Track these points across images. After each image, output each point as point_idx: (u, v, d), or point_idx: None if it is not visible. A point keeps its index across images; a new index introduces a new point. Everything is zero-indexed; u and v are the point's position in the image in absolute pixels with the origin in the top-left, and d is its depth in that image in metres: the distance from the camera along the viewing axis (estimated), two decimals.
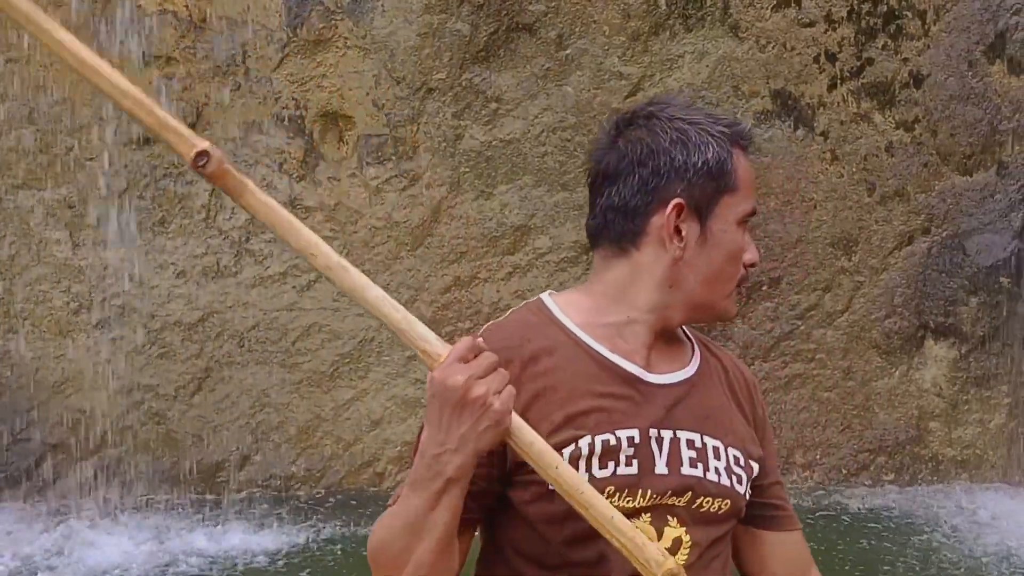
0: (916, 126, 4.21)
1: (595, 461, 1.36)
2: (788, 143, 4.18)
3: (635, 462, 1.38)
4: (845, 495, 4.09)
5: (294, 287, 3.99)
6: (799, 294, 4.21)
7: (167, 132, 1.25)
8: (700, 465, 1.42)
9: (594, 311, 1.45)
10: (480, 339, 1.30)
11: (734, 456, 1.45)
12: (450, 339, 4.06)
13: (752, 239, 1.48)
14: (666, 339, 1.48)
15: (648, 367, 1.43)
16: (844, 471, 4.22)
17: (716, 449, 1.43)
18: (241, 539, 3.64)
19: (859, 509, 4.00)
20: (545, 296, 1.50)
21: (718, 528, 1.43)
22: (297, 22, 3.95)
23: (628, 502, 1.36)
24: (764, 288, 4.19)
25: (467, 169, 4.05)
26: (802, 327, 4.21)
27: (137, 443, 3.93)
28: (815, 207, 4.19)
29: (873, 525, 3.84)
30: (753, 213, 1.47)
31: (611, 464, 1.37)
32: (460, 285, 4.05)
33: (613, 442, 1.37)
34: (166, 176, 3.96)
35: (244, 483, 3.99)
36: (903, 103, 4.19)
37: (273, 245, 3.98)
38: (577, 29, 4.07)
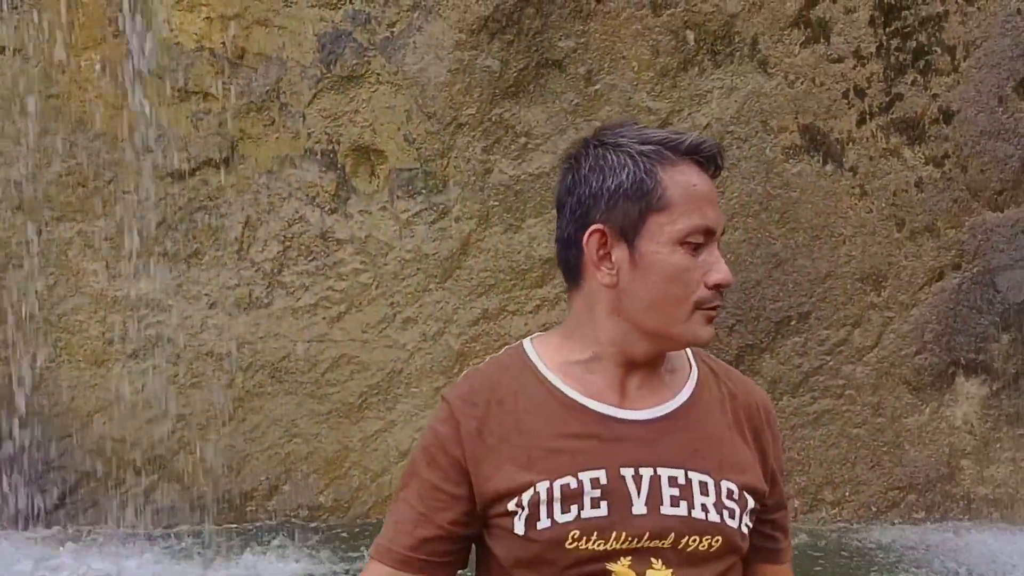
0: (946, 162, 4.21)
1: (556, 506, 1.32)
2: (817, 178, 4.18)
3: (604, 504, 1.33)
4: (875, 533, 4.05)
5: (324, 319, 4.04)
6: (828, 329, 4.20)
7: None
8: (684, 503, 1.35)
9: (566, 350, 1.41)
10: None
11: (727, 489, 1.38)
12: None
13: (718, 256, 1.38)
14: (649, 370, 1.42)
15: (622, 403, 1.38)
16: (873, 508, 4.18)
17: (704, 484, 1.37)
18: (269, 568, 3.66)
19: (889, 546, 3.96)
20: (526, 340, 1.47)
21: (711, 567, 1.36)
22: (331, 59, 4.03)
23: (599, 545, 1.31)
24: (792, 323, 4.18)
25: (496, 203, 4.09)
26: (831, 362, 4.20)
27: (169, 471, 3.98)
28: (844, 242, 4.18)
29: (903, 563, 3.80)
30: (704, 230, 1.37)
31: (574, 508, 1.32)
32: (488, 318, 4.08)
33: (574, 485, 1.33)
34: (200, 209, 4.03)
35: (273, 512, 4.02)
36: (933, 139, 4.19)
37: (305, 277, 4.04)
38: (606, 65, 4.11)
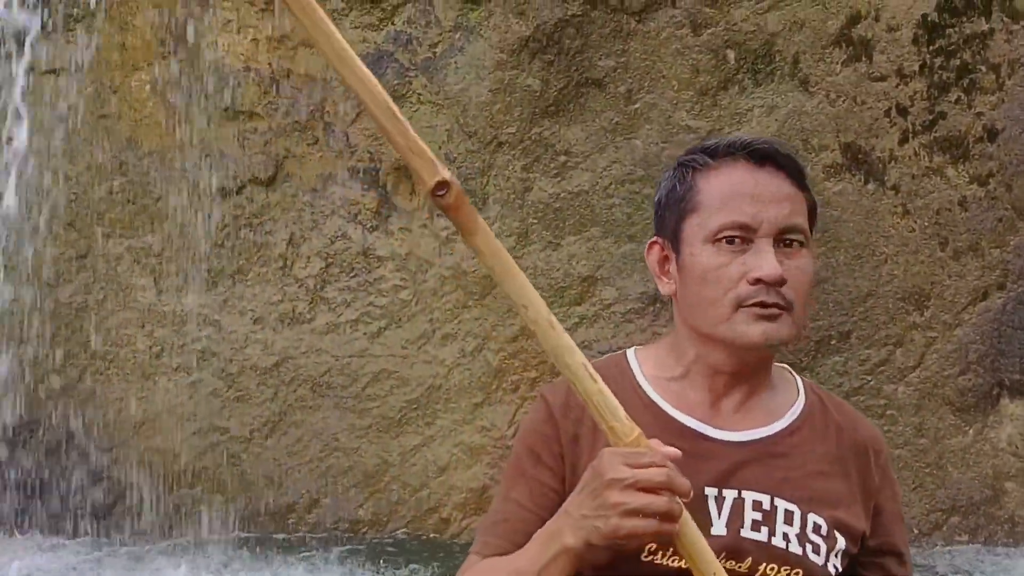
0: (990, 180, 4.16)
1: None
2: (859, 197, 4.16)
3: None
4: (917, 555, 3.99)
5: (365, 334, 4.09)
6: (869, 349, 4.16)
7: (413, 157, 1.24)
8: (765, 528, 1.32)
9: (663, 365, 1.43)
10: (670, 464, 1.20)
11: (814, 523, 1.33)
12: (515, 387, 4.13)
13: (767, 251, 1.34)
14: (748, 389, 1.39)
15: (714, 421, 1.37)
16: (916, 530, 4.12)
17: (789, 513, 1.33)
18: None
19: (932, 568, 3.90)
20: (630, 350, 1.49)
21: None
22: None
23: (674, 562, 1.28)
24: (833, 342, 4.15)
25: (535, 220, 4.12)
26: (872, 382, 4.16)
27: (212, 483, 4.05)
28: (886, 261, 4.15)
29: None
30: (737, 225, 1.34)
31: None
32: (527, 335, 4.10)
33: None
34: (246, 226, 4.11)
35: (313, 525, 4.07)
36: (977, 157, 4.15)
37: (346, 293, 4.09)
38: (646, 84, 4.13)
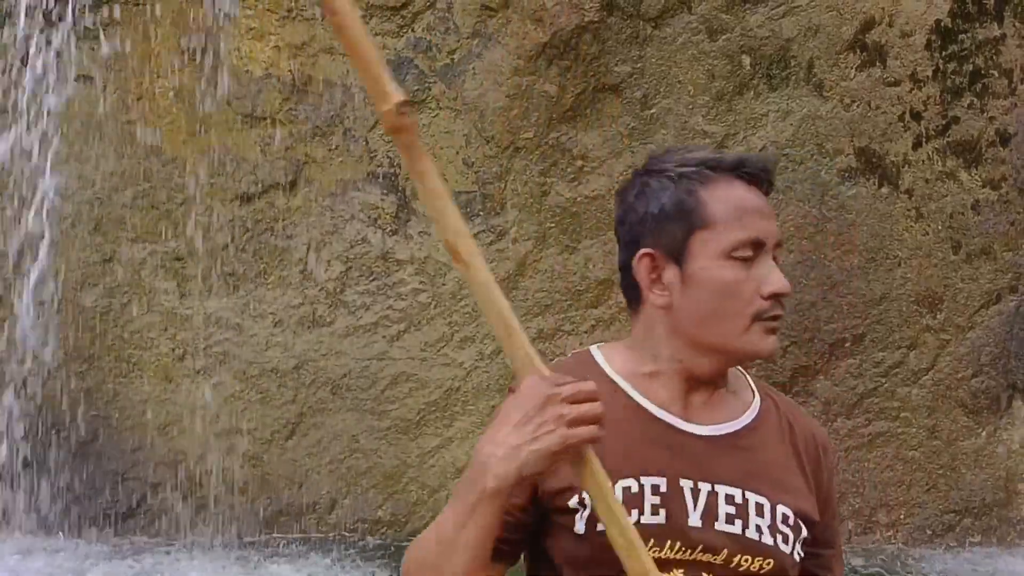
0: (1003, 184, 4.19)
1: None
2: (873, 200, 4.20)
3: (662, 511, 1.35)
4: (929, 556, 4.03)
5: (384, 337, 4.15)
6: (883, 351, 4.20)
7: (377, 73, 1.24)
8: (739, 521, 1.35)
9: (632, 361, 1.45)
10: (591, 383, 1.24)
11: (783, 514, 1.38)
12: None
13: (772, 267, 1.39)
14: (712, 388, 1.43)
15: (686, 416, 1.40)
16: (929, 532, 4.16)
17: (760, 506, 1.37)
18: None
19: (945, 570, 3.94)
20: (593, 347, 1.53)
21: None
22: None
23: (654, 553, 1.31)
24: (847, 345, 4.19)
25: (553, 224, 4.17)
26: (886, 384, 4.20)
27: (234, 484, 4.11)
28: (899, 264, 4.19)
29: None
30: (751, 242, 1.38)
31: (634, 512, 1.33)
32: (544, 337, 4.16)
33: (635, 489, 1.35)
34: (267, 230, 4.17)
35: (333, 525, 4.13)
36: (990, 161, 4.18)
37: (366, 297, 4.15)
38: (662, 89, 4.17)
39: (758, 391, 1.50)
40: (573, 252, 4.17)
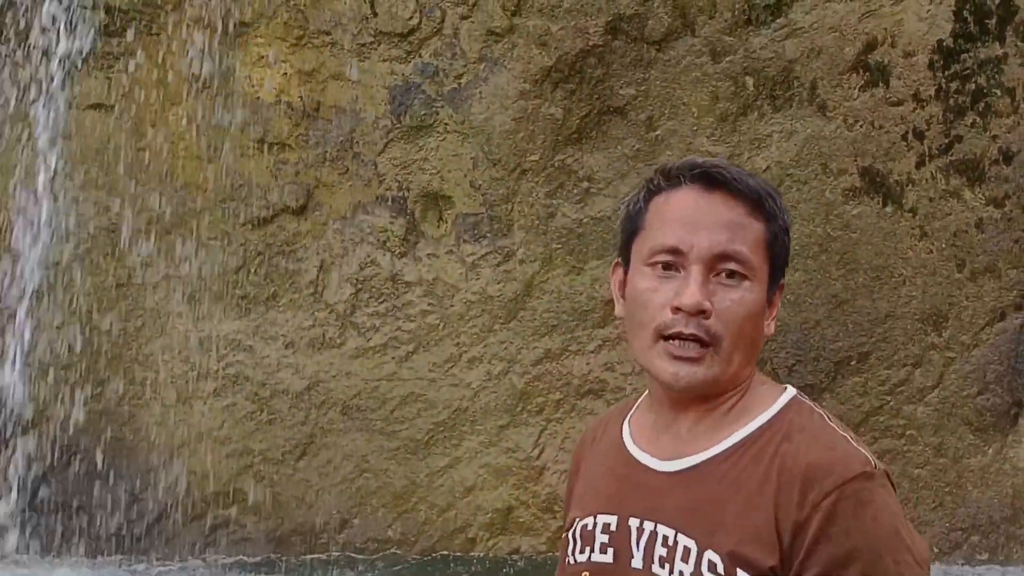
0: (1006, 202, 4.21)
1: (578, 544, 1.33)
2: (877, 219, 4.22)
3: (610, 551, 1.30)
4: (938, 574, 4.03)
5: (393, 358, 4.20)
6: (888, 369, 4.21)
7: None
8: (668, 566, 1.25)
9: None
10: None
11: (709, 561, 1.23)
12: (540, 410, 4.20)
13: (693, 279, 1.24)
14: (698, 415, 1.29)
15: (653, 449, 1.31)
16: (936, 550, 4.15)
17: (687, 550, 1.25)
18: None
19: None
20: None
21: None
22: (401, 110, 4.22)
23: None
24: (853, 363, 4.21)
25: (559, 245, 4.22)
26: (892, 403, 4.21)
27: (246, 504, 4.16)
28: (904, 283, 4.21)
29: None
30: (667, 249, 1.26)
31: (588, 549, 1.31)
32: (551, 357, 4.20)
33: (590, 527, 1.32)
34: (278, 254, 4.24)
35: (344, 545, 4.17)
36: (993, 180, 4.20)
37: (375, 318, 4.20)
38: (667, 111, 4.22)
39: (772, 415, 1.29)
40: (579, 273, 4.22)
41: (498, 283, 4.21)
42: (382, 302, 4.22)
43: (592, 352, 4.20)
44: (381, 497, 4.19)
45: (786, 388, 1.35)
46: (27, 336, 4.03)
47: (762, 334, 1.32)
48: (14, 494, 3.99)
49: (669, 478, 1.29)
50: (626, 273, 1.33)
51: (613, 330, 4.19)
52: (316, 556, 4.14)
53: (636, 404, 1.40)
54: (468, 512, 4.19)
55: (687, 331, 1.25)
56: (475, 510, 4.19)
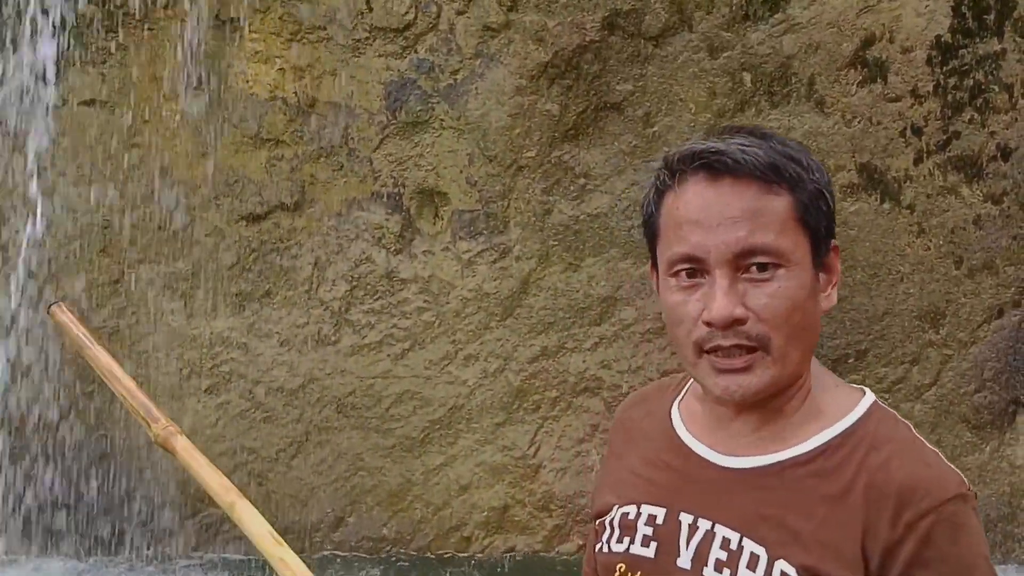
0: (1004, 199, 4.20)
1: (615, 533, 1.26)
2: (874, 216, 4.21)
3: (653, 545, 1.22)
4: None
5: (389, 356, 4.17)
6: (886, 367, 4.20)
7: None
8: (727, 571, 1.16)
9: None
10: None
11: (781, 572, 1.14)
12: (537, 407, 4.18)
13: (717, 287, 1.14)
14: (763, 418, 1.21)
15: (710, 441, 1.24)
16: None
17: (754, 557, 1.15)
18: None
19: None
20: None
21: None
22: (396, 105, 4.19)
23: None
24: (850, 361, 4.19)
25: (555, 242, 4.19)
26: (889, 400, 4.18)
27: None
28: (902, 280, 4.19)
29: None
30: (684, 258, 1.16)
31: (627, 540, 1.24)
32: (548, 355, 4.18)
33: (632, 515, 1.25)
34: (273, 251, 4.21)
35: (338, 543, 4.15)
36: (991, 176, 4.19)
37: (371, 316, 4.18)
38: (664, 107, 4.20)
39: (855, 421, 1.20)
40: (576, 270, 4.20)
41: (494, 280, 4.19)
42: (377, 299, 4.19)
43: (589, 349, 4.18)
44: (376, 495, 4.16)
45: (864, 391, 1.27)
46: (17, 333, 4.00)
47: (816, 317, 1.22)
48: (1, 493, 3.96)
49: (730, 476, 1.20)
50: (657, 278, 1.25)
51: (610, 327, 4.18)
52: (310, 555, 4.11)
53: (684, 388, 1.31)
54: (464, 511, 4.17)
55: (726, 343, 1.16)
56: (471, 508, 4.17)
